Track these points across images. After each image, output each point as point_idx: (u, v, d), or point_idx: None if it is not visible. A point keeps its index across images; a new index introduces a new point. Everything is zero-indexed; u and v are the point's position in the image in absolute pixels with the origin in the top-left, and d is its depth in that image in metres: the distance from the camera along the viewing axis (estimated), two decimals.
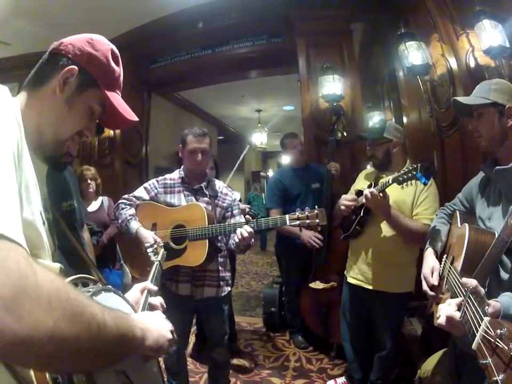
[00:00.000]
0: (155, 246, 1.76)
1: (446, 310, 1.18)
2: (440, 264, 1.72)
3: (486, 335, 0.87)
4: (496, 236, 1.40)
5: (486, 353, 0.85)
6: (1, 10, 4.10)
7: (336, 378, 3.03)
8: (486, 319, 0.90)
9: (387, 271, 2.48)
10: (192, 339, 3.81)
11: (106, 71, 1.03)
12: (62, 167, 1.06)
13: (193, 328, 3.77)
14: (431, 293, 1.68)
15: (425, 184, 2.02)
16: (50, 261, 0.86)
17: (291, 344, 3.82)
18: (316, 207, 2.20)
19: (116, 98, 1.05)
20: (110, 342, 0.65)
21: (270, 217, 2.27)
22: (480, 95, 1.58)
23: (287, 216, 2.19)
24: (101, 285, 0.90)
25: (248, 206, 3.46)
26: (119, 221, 2.43)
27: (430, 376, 1.35)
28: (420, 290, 1.76)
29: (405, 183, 2.06)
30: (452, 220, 1.88)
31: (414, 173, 1.97)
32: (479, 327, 0.92)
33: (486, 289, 1.35)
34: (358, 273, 2.63)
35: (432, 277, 1.70)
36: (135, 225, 2.34)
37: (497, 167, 1.51)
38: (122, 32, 4.90)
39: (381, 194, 2.18)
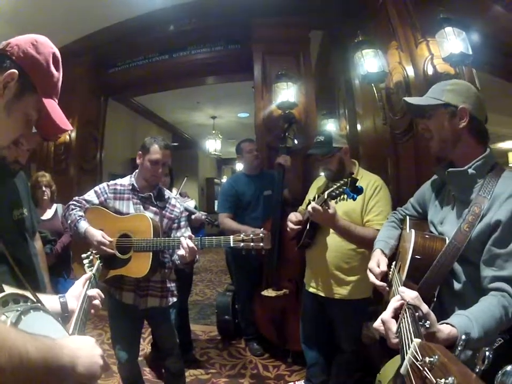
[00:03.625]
0: (91, 257, 1.70)
1: (382, 314, 1.12)
2: (389, 270, 1.64)
3: (414, 361, 0.73)
4: (447, 242, 1.35)
5: (414, 382, 0.71)
6: None
7: (296, 382, 3.06)
8: (416, 341, 0.78)
9: (340, 278, 2.49)
10: (148, 348, 3.75)
11: (46, 76, 1.00)
12: (11, 173, 1.02)
13: (150, 337, 3.71)
14: (380, 283, 1.59)
15: (354, 199, 1.93)
16: None
17: (247, 352, 3.81)
18: (262, 229, 2.23)
19: (52, 105, 1.02)
20: (36, 373, 0.62)
21: (214, 237, 2.25)
22: (432, 96, 1.49)
23: (231, 237, 2.21)
24: (29, 303, 0.85)
25: (205, 213, 3.42)
26: (68, 222, 2.36)
27: (391, 379, 1.36)
28: (376, 295, 1.70)
29: (338, 198, 2.03)
30: (403, 225, 1.79)
31: (344, 188, 1.91)
32: (409, 350, 0.80)
33: (436, 299, 1.31)
34: (313, 282, 2.65)
35: (378, 267, 1.62)
36: (84, 225, 2.28)
37: (450, 169, 1.44)
38: (84, 35, 4.83)
39: (322, 208, 2.10)
